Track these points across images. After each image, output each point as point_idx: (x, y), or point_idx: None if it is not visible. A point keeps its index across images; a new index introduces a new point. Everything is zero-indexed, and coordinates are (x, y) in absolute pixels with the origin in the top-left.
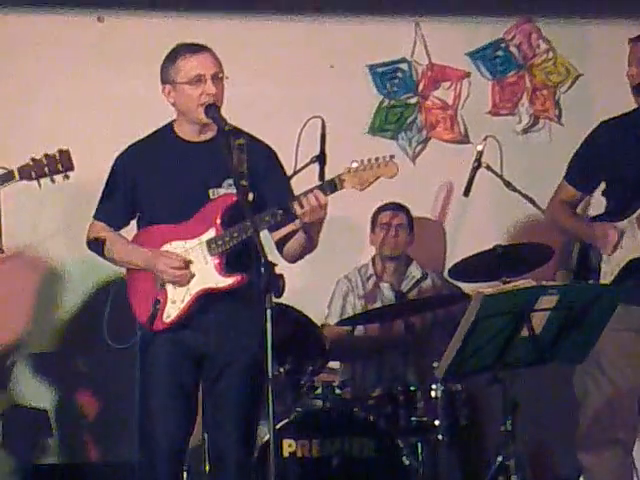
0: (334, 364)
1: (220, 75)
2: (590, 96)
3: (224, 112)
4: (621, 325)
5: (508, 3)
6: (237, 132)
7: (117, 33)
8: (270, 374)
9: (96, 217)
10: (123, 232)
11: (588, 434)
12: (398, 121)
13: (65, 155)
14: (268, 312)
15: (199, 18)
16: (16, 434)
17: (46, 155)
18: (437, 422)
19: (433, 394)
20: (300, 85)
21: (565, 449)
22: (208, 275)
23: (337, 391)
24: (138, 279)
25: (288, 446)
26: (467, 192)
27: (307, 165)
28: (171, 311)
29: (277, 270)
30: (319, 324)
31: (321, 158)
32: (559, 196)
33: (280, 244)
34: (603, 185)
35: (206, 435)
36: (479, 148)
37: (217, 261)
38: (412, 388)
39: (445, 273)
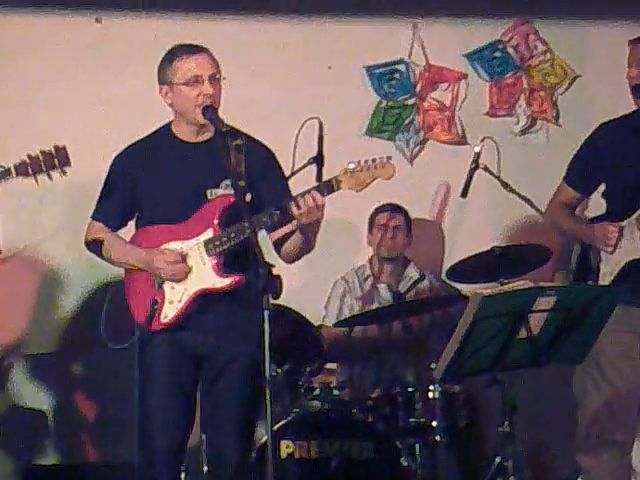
0: (332, 365)
1: (217, 76)
2: (588, 97)
3: (222, 113)
4: (620, 326)
5: (505, 4)
6: (235, 133)
7: (115, 34)
8: (268, 375)
9: (94, 217)
10: (121, 232)
11: (587, 435)
12: (396, 122)
13: (61, 151)
14: (266, 313)
15: (197, 19)
16: (14, 435)
17: (42, 152)
18: (435, 423)
19: (431, 395)
20: (298, 86)
21: (564, 450)
22: (205, 276)
23: (335, 392)
24: (136, 280)
25: (286, 447)
26: (465, 193)
27: (305, 166)
28: (169, 311)
29: (274, 271)
30: (316, 325)
31: (319, 159)
32: (558, 198)
33: (278, 245)
34: (603, 186)
35: (204, 435)
36: (477, 149)
37: (214, 262)
38: (410, 389)
39: (443, 274)
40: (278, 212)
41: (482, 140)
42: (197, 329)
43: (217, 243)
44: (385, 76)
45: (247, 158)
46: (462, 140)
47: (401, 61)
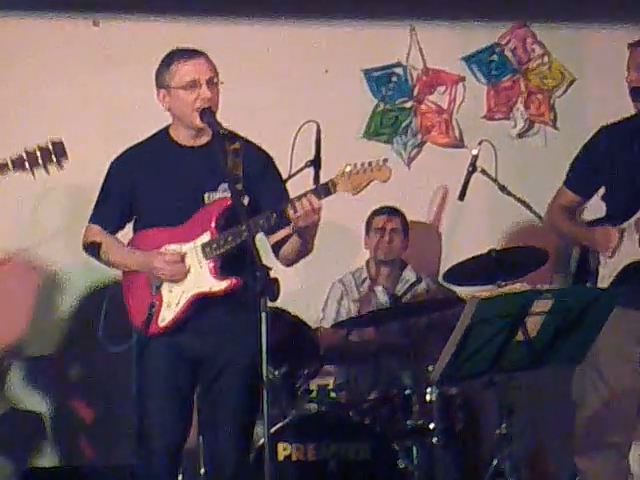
0: (329, 367)
1: (215, 80)
2: (585, 100)
3: (219, 116)
4: (619, 328)
5: (503, 8)
6: (232, 136)
7: (113, 37)
8: (265, 377)
9: (92, 221)
10: (119, 236)
11: (585, 437)
12: (393, 125)
13: (58, 145)
14: (263, 316)
15: (194, 23)
16: (12, 437)
17: (39, 146)
18: (432, 426)
19: (428, 398)
20: (295, 89)
21: (561, 452)
22: (203, 279)
23: (332, 395)
24: (134, 283)
25: (283, 450)
26: (462, 196)
27: (302, 169)
28: (166, 315)
29: (272, 274)
30: (313, 327)
31: (316, 162)
32: (558, 201)
33: (276, 248)
34: (602, 189)
35: (201, 438)
36: (474, 152)
37: (212, 265)
38: (407, 392)
39: (440, 277)
40: (275, 215)
41: (479, 143)
42: (195, 332)
43: (214, 246)
44: (383, 79)
45: (245, 161)
46: (459, 143)
47: (399, 64)
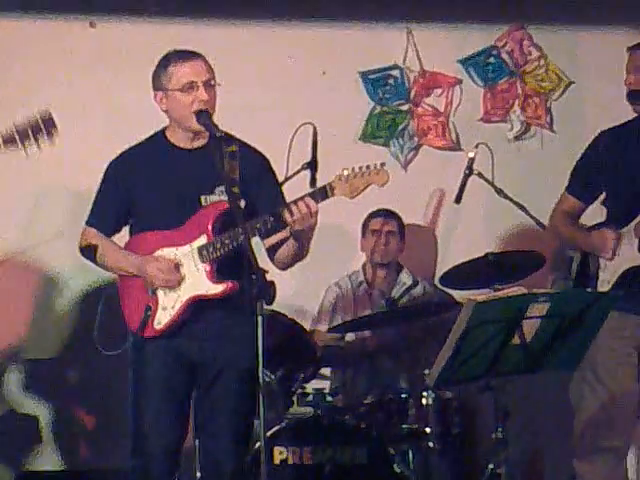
0: (325, 371)
1: (212, 82)
2: (582, 103)
3: (216, 118)
4: (617, 333)
5: (500, 10)
6: (229, 139)
7: (109, 39)
8: (261, 381)
9: (88, 223)
10: (116, 238)
11: (583, 441)
12: (390, 128)
13: (47, 118)
14: (259, 319)
15: (191, 25)
16: (10, 441)
17: (28, 121)
18: (428, 429)
19: (424, 401)
20: (292, 92)
21: (558, 456)
22: (199, 282)
23: (328, 398)
24: (130, 285)
25: (279, 453)
26: (458, 199)
27: (298, 172)
28: (162, 318)
29: (268, 277)
30: (309, 330)
31: (312, 165)
32: (561, 207)
33: (271, 251)
34: (603, 194)
35: (197, 442)
36: (471, 155)
37: (208, 268)
38: (403, 395)
39: (436, 280)
40: (272, 218)
41: (476, 146)
42: (191, 335)
43: (211, 249)
44: (379, 82)
45: (241, 164)
46: (456, 146)
47: (395, 67)
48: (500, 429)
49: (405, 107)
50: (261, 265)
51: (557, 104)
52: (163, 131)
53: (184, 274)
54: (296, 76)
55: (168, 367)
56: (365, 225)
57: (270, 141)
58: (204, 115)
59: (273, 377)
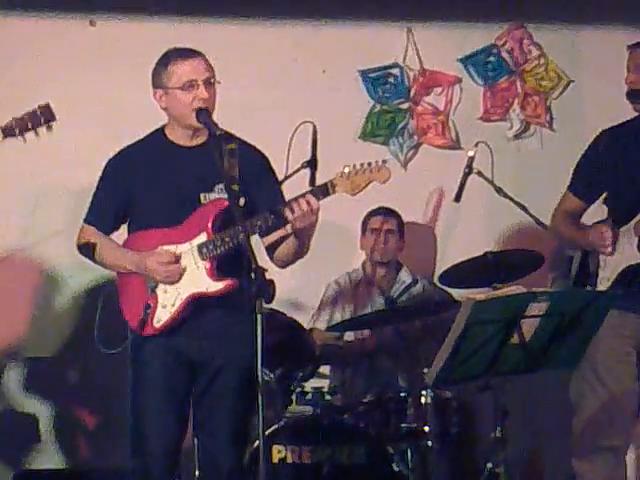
0: (324, 370)
1: (212, 80)
2: (581, 102)
3: (215, 117)
4: (617, 331)
5: (500, 9)
6: (228, 137)
7: (109, 37)
8: (260, 380)
9: (86, 221)
10: (114, 236)
11: (583, 440)
12: (389, 126)
13: (45, 108)
14: (258, 317)
15: (191, 23)
16: (9, 439)
17: (27, 112)
18: (427, 429)
19: (423, 400)
20: (292, 90)
21: (557, 456)
22: (199, 279)
23: (327, 397)
24: (128, 283)
25: (278, 452)
26: (458, 198)
27: (298, 170)
28: (162, 316)
29: (267, 275)
30: (308, 328)
31: (312, 163)
32: (563, 207)
33: (271, 249)
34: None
35: (196, 440)
36: (470, 154)
37: (208, 265)
38: (402, 394)
39: (435, 279)
40: (273, 216)
41: (476, 145)
42: (190, 334)
43: (211, 247)
44: (379, 80)
45: (240, 162)
46: (456, 145)
47: (395, 65)
48: (499, 428)
49: (405, 106)
50: (260, 263)
51: (557, 103)
52: (162, 129)
53: (184, 269)
54: (296, 75)
55: (167, 366)
56: (365, 223)
57: (270, 139)
58: (204, 114)
59: (272, 376)
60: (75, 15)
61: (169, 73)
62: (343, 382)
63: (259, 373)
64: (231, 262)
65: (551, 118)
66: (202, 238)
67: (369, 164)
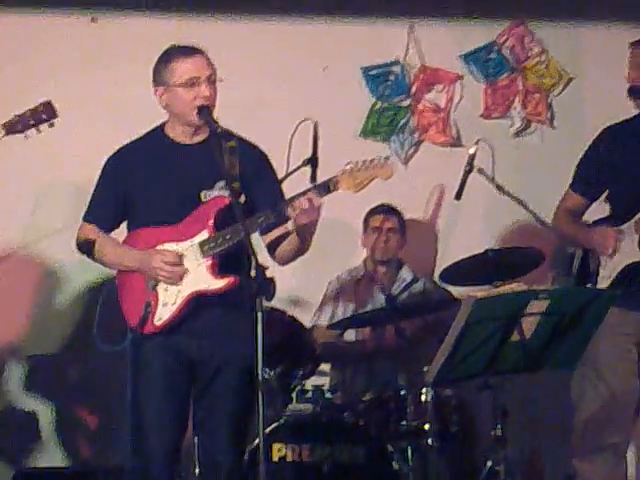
0: (324, 368)
1: (213, 78)
2: (582, 100)
3: (216, 115)
4: (619, 330)
5: (501, 6)
6: (229, 134)
7: (111, 34)
8: (260, 378)
9: (86, 219)
10: (113, 234)
11: (584, 438)
12: (390, 124)
13: (48, 106)
14: (259, 315)
15: (192, 20)
16: (10, 437)
17: (29, 109)
18: (427, 427)
19: (423, 398)
20: (293, 87)
21: (556, 454)
22: (200, 277)
23: (327, 395)
24: (129, 281)
25: (278, 450)
26: (459, 195)
27: (299, 168)
28: (163, 313)
29: (268, 273)
30: (310, 326)
31: (313, 161)
32: (565, 204)
33: (271, 247)
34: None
35: (196, 439)
36: (471, 151)
37: (209, 263)
38: (402, 392)
39: (436, 276)
40: (275, 213)
41: (477, 142)
42: (190, 332)
43: (212, 245)
44: (380, 78)
45: (240, 160)
46: (457, 142)
47: (396, 62)
48: (499, 427)
49: (406, 103)
50: (260, 261)
51: (558, 100)
52: (162, 126)
53: (186, 268)
54: (297, 72)
55: (167, 365)
56: (366, 221)
57: (271, 137)
58: (205, 111)
59: (272, 374)
60: (76, 12)
61: (171, 70)
62: (343, 380)
63: (259, 371)
64: (231, 260)
65: (552, 115)
66: (204, 236)
67: (372, 161)
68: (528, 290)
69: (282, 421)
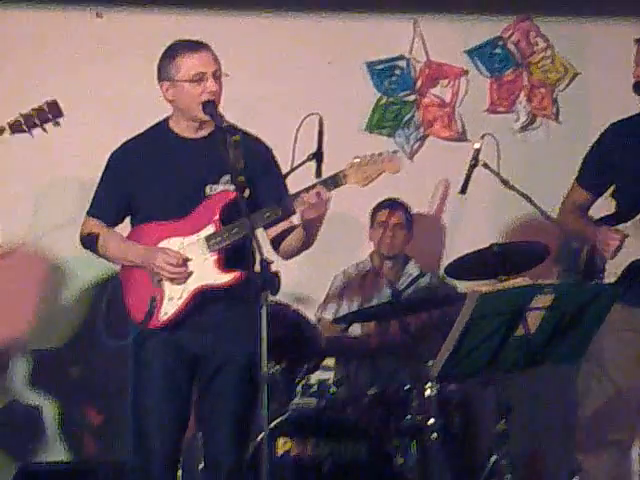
0: (329, 362)
1: (218, 73)
2: (588, 94)
3: (221, 109)
4: (624, 326)
5: (506, 1)
6: (234, 129)
7: (116, 29)
8: (265, 372)
9: (89, 213)
10: (117, 229)
11: (589, 434)
12: (396, 118)
13: (53, 105)
14: (263, 310)
15: (197, 15)
16: (13, 431)
17: (34, 109)
18: (431, 421)
19: (427, 393)
20: (298, 82)
21: (560, 450)
22: (206, 272)
23: (332, 389)
24: (133, 276)
25: (283, 444)
26: (464, 190)
27: (304, 162)
28: (168, 308)
29: (273, 268)
30: (316, 319)
31: (318, 155)
32: (571, 199)
33: (275, 241)
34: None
35: (200, 434)
36: (476, 146)
37: (216, 257)
38: (407, 387)
39: (441, 271)
40: (281, 208)
41: (482, 137)
42: (195, 326)
43: (219, 239)
44: (385, 72)
45: (245, 154)
46: (462, 136)
47: (402, 57)
48: (502, 422)
49: (411, 98)
50: (265, 255)
51: (563, 95)
52: (166, 121)
53: (192, 270)
54: (302, 67)
55: (171, 359)
56: (372, 216)
57: (276, 132)
58: (210, 106)
59: (277, 368)
60: (82, 7)
61: (177, 65)
62: (348, 375)
63: (264, 365)
64: (236, 254)
65: (557, 110)
66: (210, 230)
67: (380, 155)
68: (533, 284)
69: (287, 415)
